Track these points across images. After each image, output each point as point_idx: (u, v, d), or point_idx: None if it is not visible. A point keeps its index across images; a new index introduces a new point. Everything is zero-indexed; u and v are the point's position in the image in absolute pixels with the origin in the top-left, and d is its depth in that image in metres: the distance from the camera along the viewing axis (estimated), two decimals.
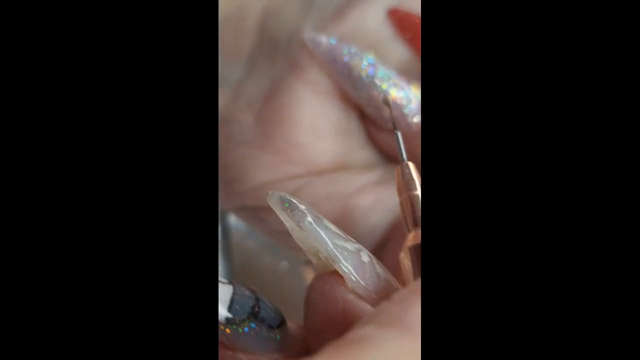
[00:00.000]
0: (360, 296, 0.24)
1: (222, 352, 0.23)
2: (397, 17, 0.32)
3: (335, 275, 0.24)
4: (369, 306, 0.23)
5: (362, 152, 0.33)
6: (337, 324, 0.23)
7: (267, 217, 0.32)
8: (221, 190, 0.33)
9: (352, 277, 0.24)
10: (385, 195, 0.32)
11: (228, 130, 0.32)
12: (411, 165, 0.27)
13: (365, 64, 0.31)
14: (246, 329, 0.23)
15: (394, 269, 0.26)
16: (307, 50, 0.31)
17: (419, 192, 0.26)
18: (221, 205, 0.35)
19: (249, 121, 0.32)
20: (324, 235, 0.24)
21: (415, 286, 0.21)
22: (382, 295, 0.24)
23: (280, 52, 0.32)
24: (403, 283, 0.26)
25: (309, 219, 0.24)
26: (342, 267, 0.24)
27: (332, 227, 0.24)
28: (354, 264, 0.24)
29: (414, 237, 0.26)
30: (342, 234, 0.25)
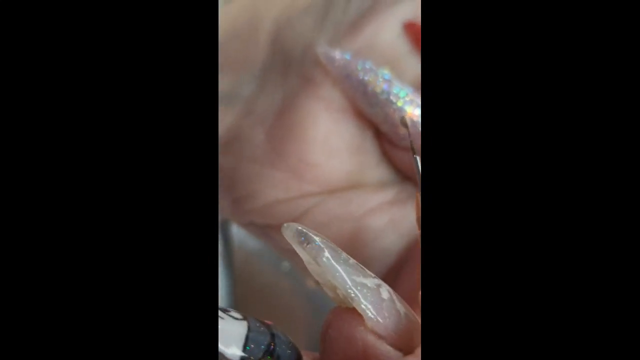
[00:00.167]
0: (379, 336, 0.23)
1: None
2: (413, 31, 0.31)
3: (354, 313, 0.23)
4: (388, 347, 0.23)
5: (376, 171, 0.32)
6: None
7: (276, 235, 0.32)
8: (231, 206, 0.32)
9: (372, 315, 0.23)
10: (400, 216, 0.31)
11: (239, 146, 0.31)
12: None
13: (380, 79, 0.30)
14: None
15: (411, 293, 0.25)
16: (321, 66, 0.30)
17: None
18: (230, 219, 0.34)
19: (260, 137, 0.31)
20: (342, 272, 0.23)
21: None
22: (402, 333, 0.23)
23: (293, 67, 0.31)
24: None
25: (327, 254, 0.23)
26: (362, 306, 0.23)
27: (351, 260, 0.24)
28: (374, 303, 0.23)
29: None
30: (360, 268, 0.24)
